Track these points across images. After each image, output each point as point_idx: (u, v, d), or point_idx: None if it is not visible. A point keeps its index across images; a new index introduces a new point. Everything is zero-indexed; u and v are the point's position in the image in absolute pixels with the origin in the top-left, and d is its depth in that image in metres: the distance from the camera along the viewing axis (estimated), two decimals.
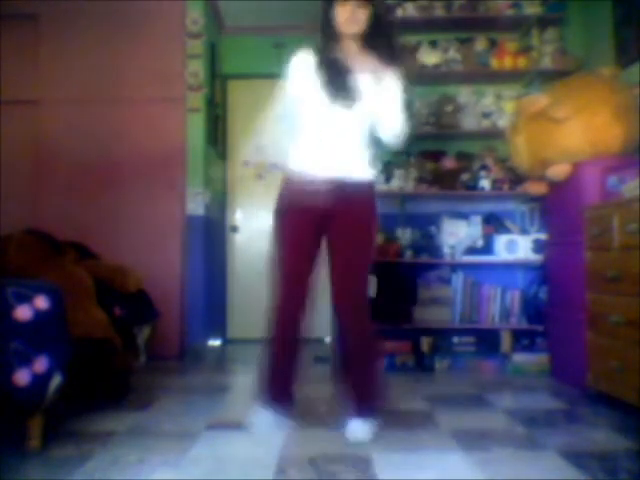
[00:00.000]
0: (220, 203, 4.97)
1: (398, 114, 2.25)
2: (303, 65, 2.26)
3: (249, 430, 2.28)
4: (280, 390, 2.32)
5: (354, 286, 2.24)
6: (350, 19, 2.18)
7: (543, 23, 3.90)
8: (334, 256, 2.27)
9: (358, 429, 2.20)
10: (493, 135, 3.87)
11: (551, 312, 3.41)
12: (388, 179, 3.84)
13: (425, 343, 3.66)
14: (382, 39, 2.24)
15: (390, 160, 3.94)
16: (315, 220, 2.22)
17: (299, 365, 2.34)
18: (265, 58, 5.03)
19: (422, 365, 3.61)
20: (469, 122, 3.92)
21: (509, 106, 3.90)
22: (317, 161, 2.22)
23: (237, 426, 2.36)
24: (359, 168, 2.25)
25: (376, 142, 2.33)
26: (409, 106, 2.31)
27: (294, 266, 2.26)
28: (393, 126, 2.27)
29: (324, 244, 2.31)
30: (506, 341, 3.63)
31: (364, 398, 2.26)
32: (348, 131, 2.23)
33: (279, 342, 2.29)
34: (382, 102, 2.23)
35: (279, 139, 2.38)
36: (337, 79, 2.19)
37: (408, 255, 3.75)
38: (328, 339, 4.81)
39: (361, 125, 2.25)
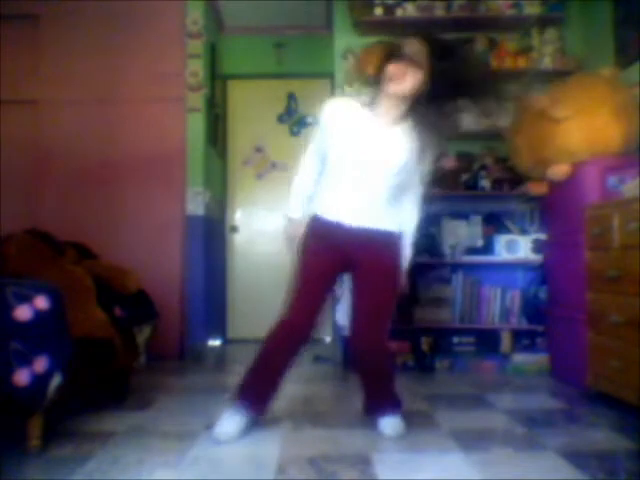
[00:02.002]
0: (220, 203, 4.97)
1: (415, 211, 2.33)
2: (337, 112, 2.22)
3: (213, 434, 2.20)
4: (260, 397, 2.30)
5: (372, 328, 2.30)
6: (397, 78, 2.09)
7: (543, 23, 3.90)
8: (357, 298, 2.32)
9: (391, 425, 2.29)
10: (493, 135, 3.87)
11: (551, 312, 3.41)
12: None
13: (425, 343, 3.66)
14: (428, 111, 2.12)
15: None
16: (336, 258, 2.25)
17: (284, 378, 2.30)
18: (265, 58, 5.04)
19: (422, 365, 3.61)
20: (469, 122, 3.91)
21: (509, 106, 3.89)
22: (343, 208, 2.23)
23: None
24: (383, 219, 2.25)
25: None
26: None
27: (310, 293, 2.26)
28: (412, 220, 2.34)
29: (345, 279, 2.46)
30: (506, 341, 3.62)
31: (387, 399, 2.37)
32: (374, 184, 2.20)
33: (277, 351, 2.27)
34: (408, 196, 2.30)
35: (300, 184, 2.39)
36: (362, 135, 2.17)
37: None
38: (328, 339, 4.82)
39: (387, 182, 2.21)
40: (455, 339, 3.66)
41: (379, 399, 2.38)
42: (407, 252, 2.34)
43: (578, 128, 3.00)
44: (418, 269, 3.85)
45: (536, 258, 3.61)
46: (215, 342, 4.68)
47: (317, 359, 3.91)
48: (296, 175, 2.39)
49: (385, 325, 2.32)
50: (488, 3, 3.89)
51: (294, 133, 5.14)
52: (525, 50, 3.89)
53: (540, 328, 3.56)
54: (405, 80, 2.08)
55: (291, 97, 5.16)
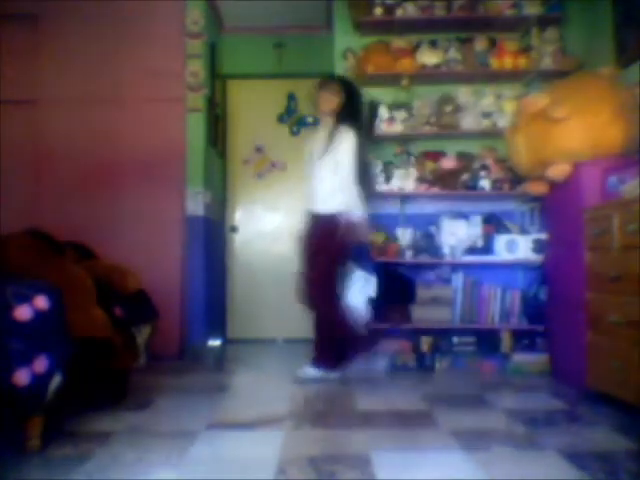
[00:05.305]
0: (220, 203, 4.97)
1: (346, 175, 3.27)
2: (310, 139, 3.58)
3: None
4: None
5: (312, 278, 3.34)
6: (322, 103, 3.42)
7: (543, 23, 3.90)
8: None
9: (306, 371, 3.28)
10: (493, 135, 3.87)
11: (551, 312, 3.41)
12: (388, 179, 3.84)
13: (425, 343, 3.66)
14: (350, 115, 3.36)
15: (390, 160, 3.95)
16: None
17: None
18: (265, 58, 5.04)
19: (422, 365, 3.61)
20: (469, 122, 3.92)
21: (509, 106, 3.89)
22: (310, 201, 3.43)
23: (237, 426, 2.36)
24: (327, 204, 3.30)
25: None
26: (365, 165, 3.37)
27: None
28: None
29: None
30: (506, 341, 3.62)
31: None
32: (323, 178, 3.33)
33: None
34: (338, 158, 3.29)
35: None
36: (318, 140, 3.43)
37: (408, 255, 3.75)
38: None
39: (331, 172, 3.29)
40: (455, 339, 3.66)
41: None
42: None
43: (578, 128, 3.00)
44: (418, 269, 3.86)
45: (536, 258, 3.61)
46: (215, 342, 4.68)
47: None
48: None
49: (319, 281, 3.29)
50: (488, 3, 3.89)
51: (294, 133, 5.14)
52: (525, 50, 3.90)
53: (540, 328, 3.56)
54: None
55: (291, 97, 5.16)
